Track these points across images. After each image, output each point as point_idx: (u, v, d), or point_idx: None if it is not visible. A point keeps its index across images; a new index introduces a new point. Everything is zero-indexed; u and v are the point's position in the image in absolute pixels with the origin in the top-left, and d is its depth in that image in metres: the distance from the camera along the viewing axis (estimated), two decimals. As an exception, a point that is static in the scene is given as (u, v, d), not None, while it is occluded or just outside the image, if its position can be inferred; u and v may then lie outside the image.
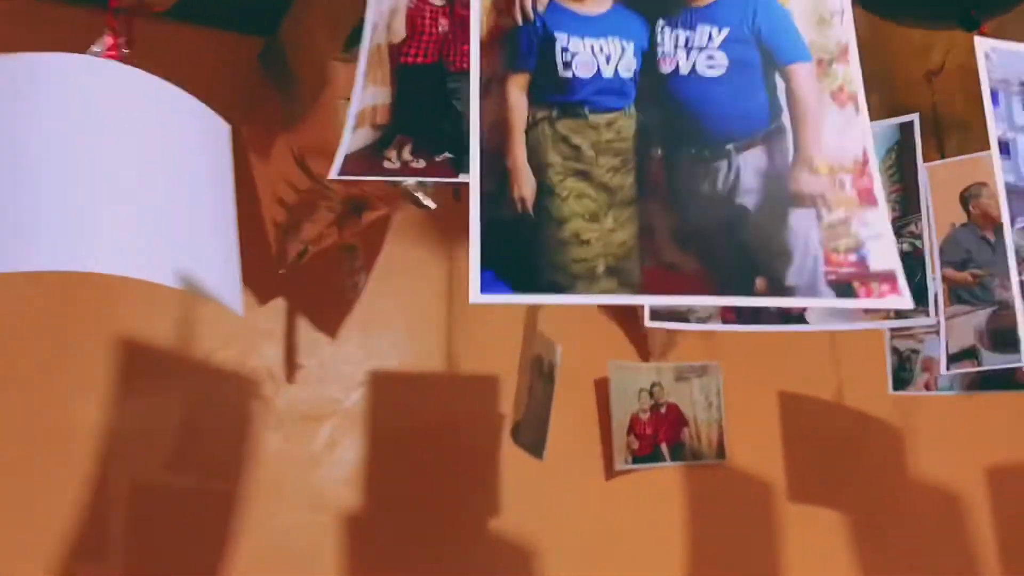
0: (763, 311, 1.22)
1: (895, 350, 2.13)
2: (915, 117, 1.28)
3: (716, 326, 1.22)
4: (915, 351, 2.11)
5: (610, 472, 2.29)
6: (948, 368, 1.54)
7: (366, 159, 1.07)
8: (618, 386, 2.31)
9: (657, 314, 1.23)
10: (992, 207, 1.48)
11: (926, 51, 2.08)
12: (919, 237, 1.22)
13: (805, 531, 2.42)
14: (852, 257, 0.76)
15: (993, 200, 1.49)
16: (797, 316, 1.24)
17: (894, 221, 1.23)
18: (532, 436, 2.02)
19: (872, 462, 2.56)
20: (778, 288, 0.75)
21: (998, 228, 1.51)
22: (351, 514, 2.05)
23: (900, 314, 1.21)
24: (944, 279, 1.55)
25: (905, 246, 1.22)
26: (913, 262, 1.21)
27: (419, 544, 2.09)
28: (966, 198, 1.51)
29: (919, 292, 1.20)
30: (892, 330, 2.13)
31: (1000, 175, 1.03)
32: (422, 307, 2.21)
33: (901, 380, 2.13)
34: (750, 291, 0.75)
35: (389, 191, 1.76)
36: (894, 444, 2.57)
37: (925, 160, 1.51)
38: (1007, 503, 2.62)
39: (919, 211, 1.23)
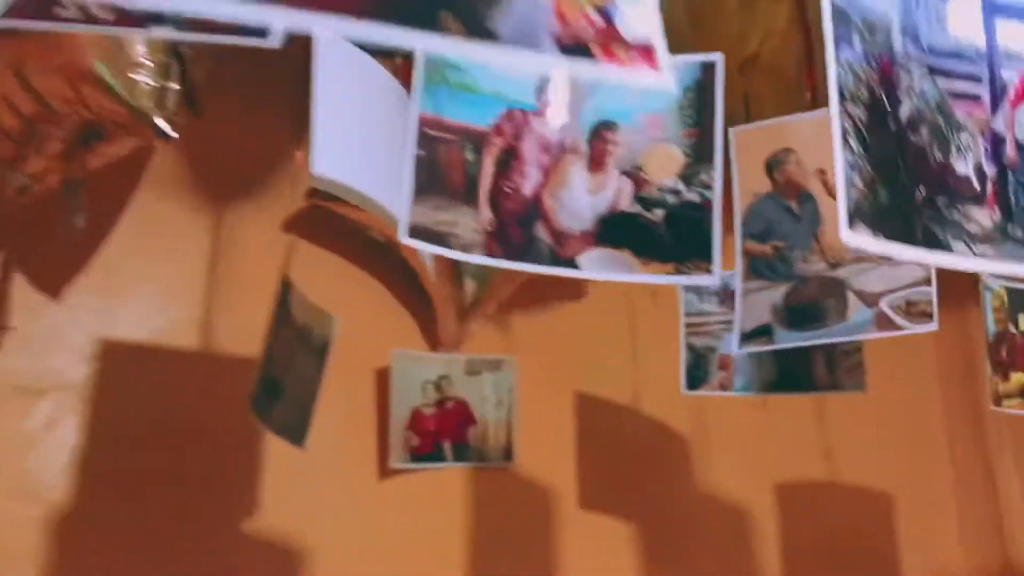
0: (533, 248, 1.04)
1: (691, 347, 2.02)
2: (719, 57, 1.15)
3: (480, 258, 1.03)
4: (711, 348, 2.01)
5: (385, 471, 2.06)
6: (740, 346, 1.42)
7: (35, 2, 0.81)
8: (401, 376, 2.09)
9: (417, 231, 1.02)
10: (797, 174, 1.38)
11: (743, 39, 2.01)
12: (710, 188, 1.09)
13: (592, 541, 2.28)
14: (596, 16, 0.58)
15: (799, 167, 1.38)
16: (567, 261, 1.07)
17: (684, 167, 1.09)
18: (292, 419, 1.76)
19: (665, 470, 2.45)
20: (475, 29, 0.55)
21: (803, 196, 1.41)
22: (68, 508, 1.72)
23: (680, 271, 1.06)
24: (744, 252, 1.44)
25: (694, 196, 1.08)
26: (701, 214, 1.07)
27: (154, 548, 1.79)
28: (771, 165, 1.41)
29: (702, 247, 1.06)
30: (688, 326, 2.03)
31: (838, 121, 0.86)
32: (178, 271, 1.91)
33: (696, 379, 2.02)
34: (435, 25, 0.55)
35: (127, 117, 1.48)
36: (686, 451, 2.48)
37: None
38: (795, 517, 2.58)
39: (712, 161, 1.10)
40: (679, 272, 1.08)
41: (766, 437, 2.63)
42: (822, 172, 1.35)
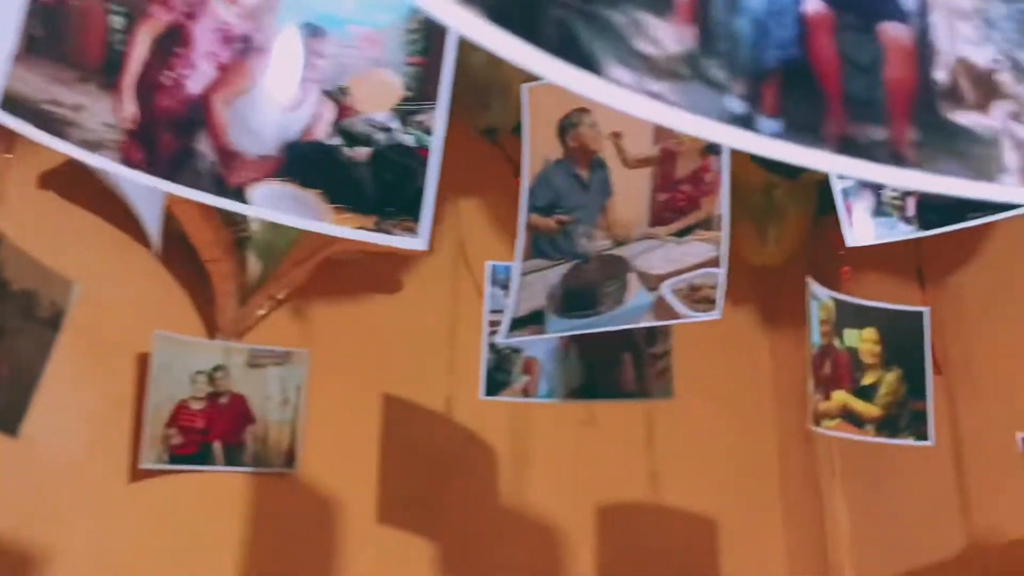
0: (188, 164, 0.79)
1: (493, 347, 1.81)
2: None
3: (110, 163, 0.76)
4: (516, 350, 1.80)
5: (136, 472, 1.77)
6: (507, 335, 1.21)
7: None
8: (164, 364, 1.80)
9: (16, 104, 0.74)
10: (590, 138, 1.17)
11: None
12: (430, 132, 0.86)
13: (385, 560, 2.03)
14: None
15: (592, 130, 1.18)
16: (234, 190, 0.82)
17: (402, 101, 0.87)
18: (3, 401, 1.48)
19: (474, 485, 2.23)
20: None
21: (595, 163, 1.21)
22: None
23: (381, 227, 0.84)
24: (528, 226, 1.23)
25: (409, 138, 0.86)
26: (415, 163, 0.85)
27: None
28: (564, 128, 1.20)
29: (410, 202, 0.84)
30: (492, 323, 1.82)
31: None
32: None
33: (498, 383, 1.81)
34: None
35: None
36: (500, 465, 2.26)
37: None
38: (614, 539, 2.39)
39: (436, 99, 0.87)
40: (379, 229, 0.86)
41: (590, 454, 2.44)
42: (616, 135, 1.16)
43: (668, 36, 0.42)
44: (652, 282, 1.11)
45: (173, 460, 1.80)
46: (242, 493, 1.89)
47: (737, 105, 0.42)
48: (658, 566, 2.46)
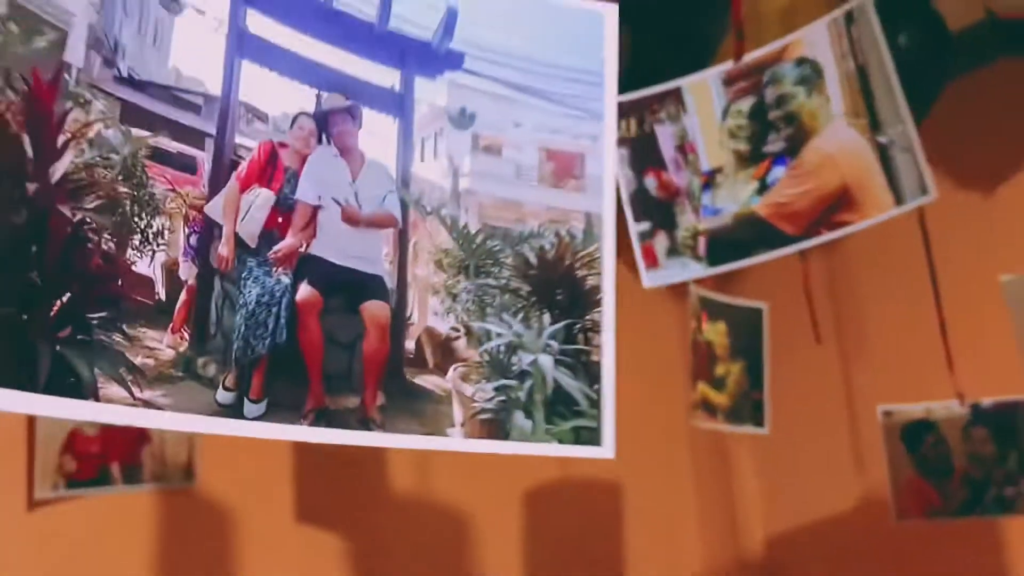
0: None
1: None
2: None
3: None
4: None
5: (32, 502, 1.83)
6: None
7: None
8: (53, 394, 1.85)
9: None
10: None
11: None
12: None
13: (293, 564, 2.12)
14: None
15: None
16: None
17: None
18: None
19: (379, 480, 2.31)
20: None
21: None
22: None
23: None
24: None
25: None
26: None
27: None
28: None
29: None
30: None
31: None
32: None
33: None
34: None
35: None
36: (402, 458, 2.35)
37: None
38: (525, 519, 2.50)
39: None
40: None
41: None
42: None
43: (163, 344, 0.47)
44: None
45: (70, 486, 1.86)
46: (143, 512, 1.96)
47: (225, 396, 0.48)
48: (569, 539, 2.57)
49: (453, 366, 0.49)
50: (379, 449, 2.30)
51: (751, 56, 1.21)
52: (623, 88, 1.04)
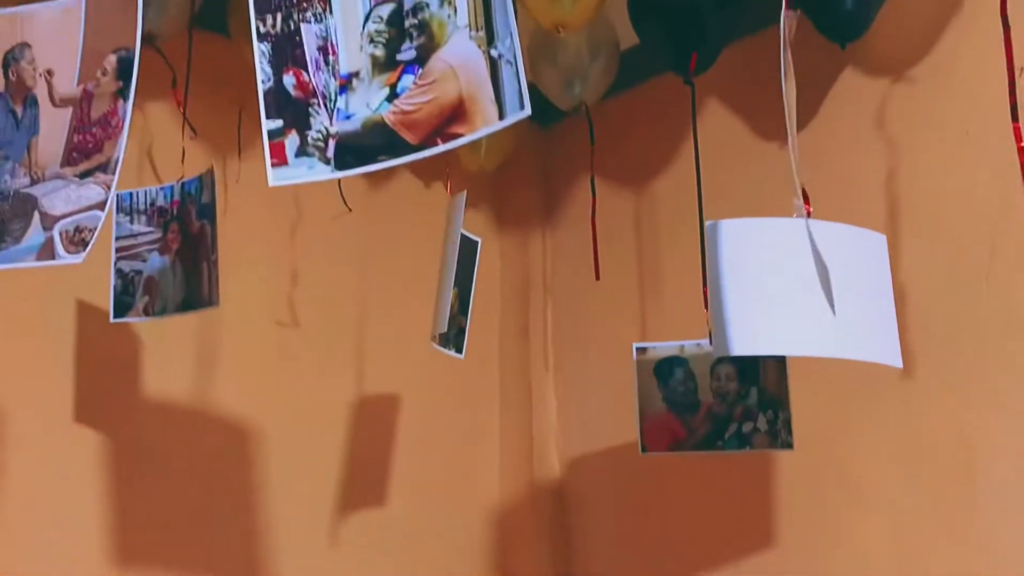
0: None
1: (120, 272, 1.88)
2: None
3: None
4: (139, 271, 1.87)
5: None
6: None
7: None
8: None
9: None
10: (28, 74, 1.20)
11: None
12: None
13: (41, 472, 2.11)
14: None
15: (31, 65, 1.21)
16: None
17: None
18: None
19: (149, 389, 2.31)
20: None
21: (29, 100, 1.25)
22: None
23: None
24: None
25: None
26: None
27: None
28: (7, 61, 1.23)
29: None
30: (118, 250, 1.88)
31: None
32: None
33: (125, 305, 1.88)
34: None
35: None
36: (187, 372, 2.35)
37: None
38: (316, 439, 2.52)
39: None
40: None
41: (292, 358, 2.54)
42: (49, 73, 1.19)
43: None
44: (49, 222, 1.17)
45: None
46: None
47: None
48: (369, 463, 2.61)
49: None
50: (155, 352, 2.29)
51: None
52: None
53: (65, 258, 1.16)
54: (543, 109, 2.73)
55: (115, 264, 1.85)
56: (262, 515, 2.41)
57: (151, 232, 1.78)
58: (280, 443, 2.47)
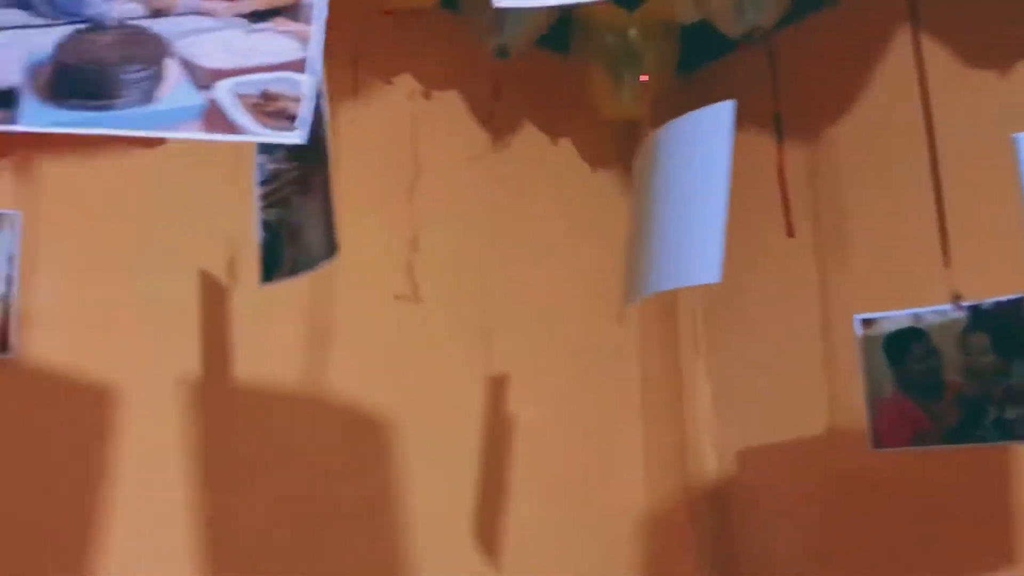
0: None
1: (266, 224, 1.52)
2: None
3: None
4: (284, 220, 1.51)
5: None
6: None
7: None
8: None
9: None
10: None
11: None
12: None
13: (135, 458, 1.74)
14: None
15: None
16: None
17: None
18: None
19: (261, 366, 1.93)
20: None
21: None
22: None
23: None
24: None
25: None
26: None
27: None
28: None
29: None
30: (262, 197, 1.52)
31: None
32: None
33: (273, 264, 1.53)
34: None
35: None
36: (287, 344, 1.96)
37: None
38: (435, 425, 2.14)
39: None
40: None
41: (409, 332, 2.16)
42: None
43: None
44: (204, 77, 0.78)
45: None
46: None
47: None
48: (498, 457, 2.23)
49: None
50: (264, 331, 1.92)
51: None
52: None
53: (267, 134, 0.77)
54: (687, 52, 2.34)
55: (260, 215, 1.48)
56: (386, 515, 2.03)
57: (292, 168, 1.39)
58: (403, 435, 2.09)
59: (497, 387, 2.27)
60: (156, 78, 0.79)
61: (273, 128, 0.79)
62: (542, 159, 2.49)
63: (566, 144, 2.55)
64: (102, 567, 1.65)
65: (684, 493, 2.40)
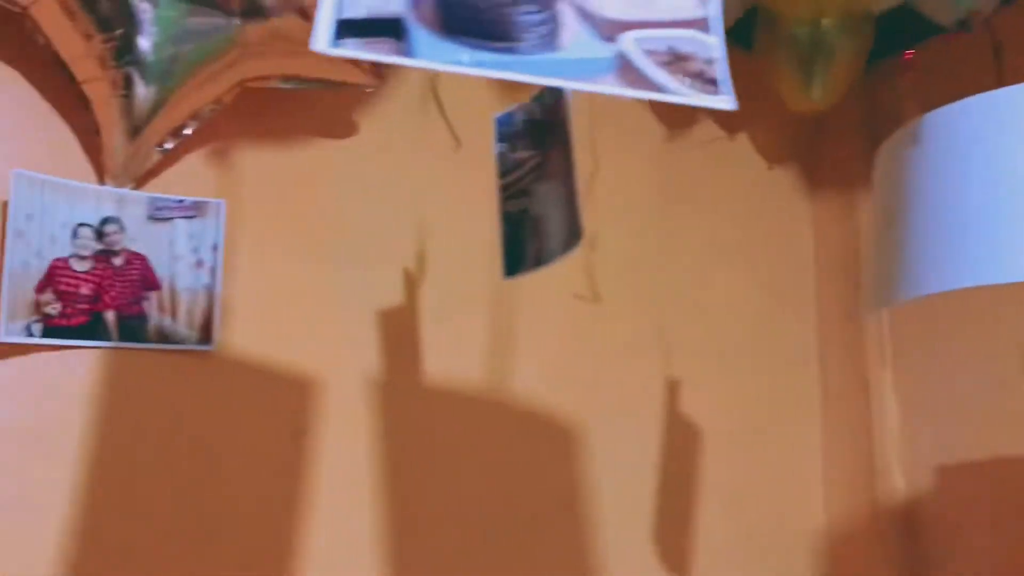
0: None
1: (507, 216, 1.44)
2: None
3: None
4: (524, 211, 1.43)
5: (-1, 347, 1.41)
6: (333, 43, 0.72)
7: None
8: (28, 213, 1.42)
9: None
10: None
11: None
12: None
13: (332, 448, 1.68)
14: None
15: None
16: None
17: None
18: None
19: (443, 366, 1.85)
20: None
21: None
22: None
23: None
24: None
25: None
26: None
27: None
28: None
29: None
30: (503, 188, 1.44)
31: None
32: None
33: (515, 259, 1.46)
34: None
35: None
36: (472, 341, 1.88)
37: None
38: (618, 435, 2.03)
39: None
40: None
41: (589, 335, 2.06)
42: None
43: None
44: (604, 28, 0.68)
45: (49, 333, 1.43)
46: (145, 376, 1.53)
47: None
48: (678, 467, 2.11)
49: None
50: (443, 330, 1.84)
51: None
52: None
53: (696, 98, 0.68)
54: (877, 40, 2.18)
55: (503, 208, 1.40)
56: (571, 517, 1.93)
57: (534, 156, 1.30)
58: (585, 436, 1.99)
59: (675, 390, 2.15)
60: (553, 22, 0.69)
61: (698, 90, 0.69)
62: (718, 155, 2.37)
63: (743, 140, 2.43)
64: (300, 557, 1.60)
65: (870, 512, 2.25)
